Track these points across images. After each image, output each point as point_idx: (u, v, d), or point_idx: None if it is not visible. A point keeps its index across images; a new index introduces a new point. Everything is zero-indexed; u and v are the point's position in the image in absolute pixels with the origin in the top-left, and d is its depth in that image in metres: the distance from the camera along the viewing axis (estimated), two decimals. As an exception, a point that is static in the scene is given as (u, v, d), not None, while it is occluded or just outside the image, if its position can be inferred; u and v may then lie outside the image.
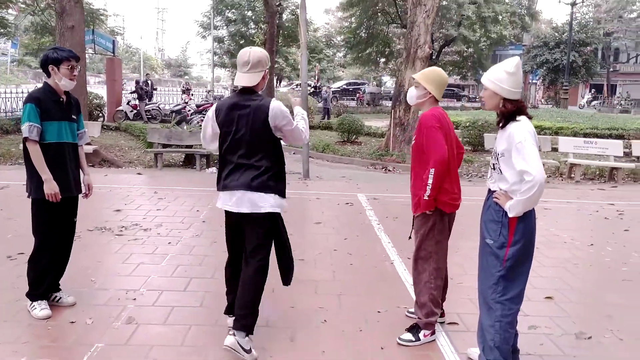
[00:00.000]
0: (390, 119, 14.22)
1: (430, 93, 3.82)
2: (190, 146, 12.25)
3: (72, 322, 4.00)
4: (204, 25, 38.98)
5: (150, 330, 3.91)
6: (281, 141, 3.66)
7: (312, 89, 34.28)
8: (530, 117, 3.30)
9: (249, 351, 3.46)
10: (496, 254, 3.27)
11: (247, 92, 3.58)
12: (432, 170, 3.67)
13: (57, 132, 4.06)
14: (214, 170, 11.74)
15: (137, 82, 24.61)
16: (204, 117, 17.67)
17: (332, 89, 38.55)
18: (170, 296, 4.58)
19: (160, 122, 20.59)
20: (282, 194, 3.63)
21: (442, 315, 4.20)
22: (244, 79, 3.53)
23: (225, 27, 38.42)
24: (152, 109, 22.22)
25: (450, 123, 3.87)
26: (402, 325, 4.09)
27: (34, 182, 4.02)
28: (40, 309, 4.07)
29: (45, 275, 4.16)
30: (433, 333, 3.90)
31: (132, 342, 3.72)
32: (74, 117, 4.23)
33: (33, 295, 4.14)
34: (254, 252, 3.60)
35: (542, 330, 4.14)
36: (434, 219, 3.86)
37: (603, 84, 49.70)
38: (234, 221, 3.68)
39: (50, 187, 3.95)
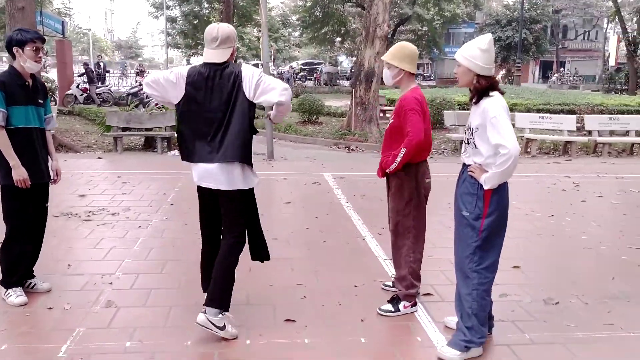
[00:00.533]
0: (351, 99, 14.30)
1: (403, 70, 3.88)
2: (151, 129, 12.06)
3: (50, 307, 3.96)
4: (155, 5, 37.99)
5: (131, 313, 3.90)
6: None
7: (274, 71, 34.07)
8: (502, 93, 3.40)
9: (222, 328, 3.48)
10: (472, 225, 3.39)
11: (217, 65, 3.47)
12: (403, 150, 3.77)
13: (24, 117, 3.95)
14: (175, 152, 11.60)
15: (87, 65, 23.94)
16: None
17: (288, 69, 38.46)
18: (147, 279, 4.58)
19: (112, 104, 20.13)
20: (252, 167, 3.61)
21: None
22: (213, 55, 3.44)
23: (178, 7, 37.56)
24: (104, 92, 21.66)
25: (426, 103, 3.96)
26: (379, 298, 4.21)
27: (3, 169, 3.92)
28: (16, 296, 4.01)
29: (18, 262, 4.09)
30: (414, 305, 4.02)
31: (114, 325, 3.71)
32: (40, 101, 4.12)
33: (8, 282, 4.07)
34: (232, 228, 3.64)
35: (512, 298, 4.32)
36: (409, 195, 3.95)
37: (553, 60, 51.00)
38: (207, 195, 3.66)
39: (19, 174, 3.86)
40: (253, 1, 35.92)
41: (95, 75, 26.98)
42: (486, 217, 3.35)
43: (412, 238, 4.00)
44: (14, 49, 3.91)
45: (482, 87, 3.34)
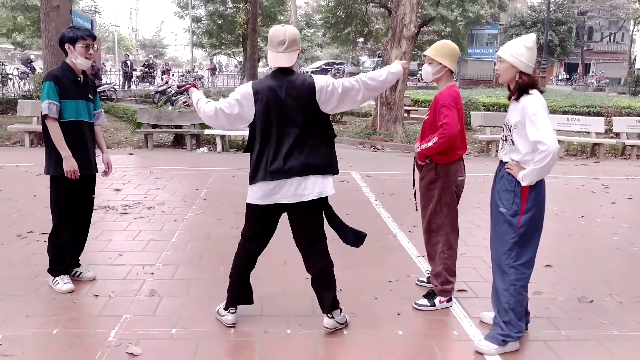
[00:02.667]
0: (377, 98, 14.34)
1: (445, 67, 3.95)
2: (180, 126, 12.24)
3: (96, 295, 4.11)
4: (181, 4, 38.36)
5: (174, 302, 4.04)
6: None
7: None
8: (542, 92, 3.46)
9: (346, 321, 3.71)
10: (509, 222, 3.45)
11: (285, 72, 3.37)
12: (436, 139, 3.84)
13: (75, 111, 4.12)
14: (204, 150, 11.79)
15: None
16: (186, 97, 17.65)
17: (311, 69, 38.55)
18: (187, 270, 4.71)
19: (116, 102, 20.17)
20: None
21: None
22: (282, 59, 3.32)
23: (203, 7, 37.88)
24: (107, 90, 21.66)
25: (461, 101, 4.03)
26: (414, 293, 4.30)
27: (53, 160, 4.09)
28: (64, 283, 4.16)
29: (66, 251, 4.24)
30: (449, 300, 4.10)
31: (159, 313, 3.85)
32: (90, 96, 4.29)
33: (55, 270, 4.23)
34: (319, 238, 3.62)
35: (545, 296, 4.37)
36: (440, 192, 4.02)
37: (578, 62, 50.44)
38: (273, 212, 3.53)
39: (70, 164, 4.02)
40: (277, 1, 36.17)
41: (123, 74, 27.52)
42: (523, 213, 3.41)
43: (445, 235, 4.07)
44: (66, 45, 4.08)
45: (525, 84, 3.39)
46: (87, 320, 3.75)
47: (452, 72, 3.99)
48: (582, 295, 4.38)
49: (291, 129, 3.35)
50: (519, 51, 3.38)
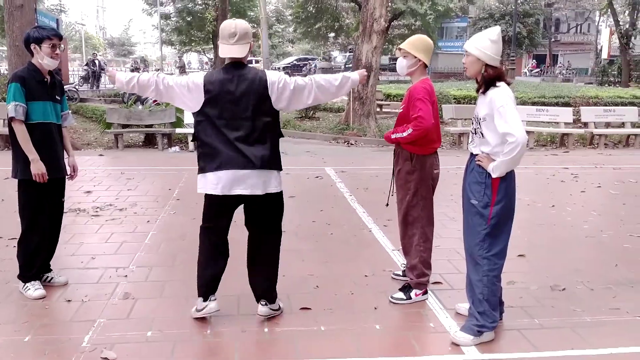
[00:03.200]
0: (350, 94, 14.35)
1: (420, 60, 3.96)
2: (151, 126, 12.10)
3: (68, 300, 4.03)
4: (149, 2, 37.95)
5: (148, 304, 3.99)
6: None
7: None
8: (509, 84, 3.50)
9: (279, 308, 3.81)
10: (481, 213, 3.48)
11: (237, 66, 3.46)
12: (410, 130, 3.88)
13: (42, 112, 4.02)
14: (176, 149, 11.67)
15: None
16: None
17: (282, 65, 38.44)
18: (161, 271, 4.66)
19: (78, 102, 19.82)
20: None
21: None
22: (232, 50, 3.40)
23: (171, 4, 37.51)
24: (69, 90, 21.26)
25: (435, 95, 4.05)
26: (390, 287, 4.32)
27: (20, 163, 3.99)
28: (35, 289, 4.08)
29: (35, 256, 4.15)
30: (425, 293, 4.13)
31: (133, 316, 3.79)
32: (57, 97, 4.19)
33: (26, 276, 4.14)
34: (272, 229, 3.76)
35: (519, 285, 4.43)
36: (416, 184, 4.04)
37: (545, 54, 51.17)
38: (231, 203, 3.61)
39: (38, 167, 3.93)
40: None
41: (91, 74, 27.02)
42: (494, 205, 3.44)
43: (421, 227, 4.09)
44: (32, 45, 3.97)
45: (490, 77, 3.43)
46: (59, 326, 3.68)
47: (426, 66, 4.01)
48: (554, 283, 4.45)
49: (241, 122, 3.42)
50: (484, 44, 3.42)
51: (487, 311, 3.50)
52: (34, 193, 4.05)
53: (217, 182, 3.46)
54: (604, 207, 7.03)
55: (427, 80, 4.00)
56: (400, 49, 4.04)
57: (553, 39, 52.60)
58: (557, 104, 17.11)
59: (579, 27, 55.49)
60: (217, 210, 3.64)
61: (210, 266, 3.68)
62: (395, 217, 6.10)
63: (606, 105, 15.75)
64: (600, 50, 47.56)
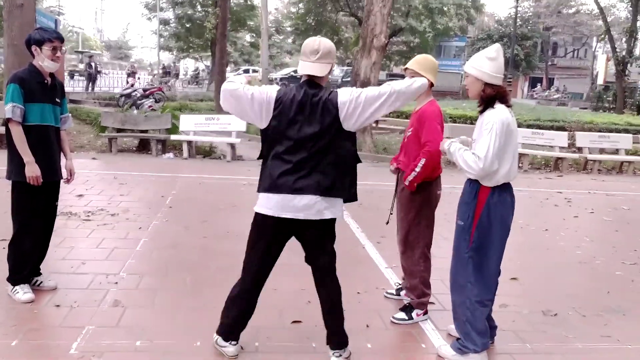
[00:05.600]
0: (346, 107, 14.38)
1: (428, 81, 3.96)
2: (146, 131, 12.04)
3: (57, 305, 3.98)
4: (149, 7, 37.99)
5: (138, 313, 3.94)
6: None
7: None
8: (509, 105, 3.43)
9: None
10: (464, 236, 3.45)
11: (313, 85, 3.19)
12: (423, 161, 3.84)
13: (40, 114, 3.99)
14: (170, 155, 11.62)
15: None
16: (153, 102, 17.40)
17: (280, 76, 38.47)
18: (152, 280, 4.61)
19: (71, 104, 19.81)
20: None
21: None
22: (312, 68, 3.15)
23: (171, 9, 37.58)
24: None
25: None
26: (383, 306, 4.30)
27: (15, 165, 3.95)
28: (24, 292, 4.02)
29: (27, 259, 4.11)
30: (425, 313, 4.12)
31: (122, 324, 3.75)
32: (57, 100, 4.16)
33: (15, 279, 4.08)
34: (331, 263, 3.52)
35: (511, 309, 4.42)
36: (420, 204, 4.02)
37: (542, 77, 51.60)
38: (283, 229, 3.30)
39: (32, 170, 3.89)
40: (247, 6, 36.09)
41: (87, 76, 27.00)
42: (476, 227, 3.40)
43: (422, 247, 4.09)
44: (33, 47, 3.96)
45: (488, 96, 3.37)
46: (48, 331, 3.63)
47: (431, 85, 4.00)
48: (546, 308, 4.44)
49: (307, 144, 3.14)
50: (481, 63, 3.37)
51: (470, 334, 3.47)
52: (27, 196, 4.00)
53: (277, 204, 3.19)
54: (597, 233, 7.05)
55: (434, 102, 4.01)
56: (406, 69, 4.02)
57: (550, 63, 53.10)
58: (552, 128, 17.19)
59: (576, 52, 56.03)
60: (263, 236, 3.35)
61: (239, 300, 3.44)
62: (389, 235, 6.11)
63: (601, 131, 15.85)
64: (596, 75, 48.03)
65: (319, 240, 3.42)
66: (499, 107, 3.36)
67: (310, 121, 3.14)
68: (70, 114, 4.44)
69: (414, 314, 4.06)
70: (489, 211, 3.37)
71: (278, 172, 3.16)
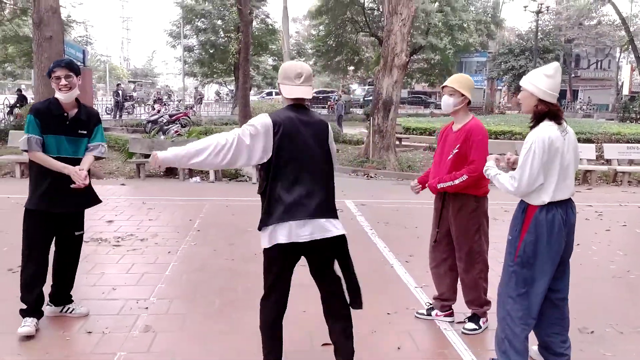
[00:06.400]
0: (369, 127, 14.41)
1: (466, 98, 4.00)
2: (172, 156, 12.18)
3: (89, 332, 4.01)
4: (173, 34, 38.73)
5: (169, 338, 3.95)
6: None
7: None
8: (560, 123, 3.34)
9: None
10: (511, 250, 3.43)
11: (301, 107, 3.25)
12: (465, 177, 3.93)
13: (55, 146, 3.93)
14: (197, 180, 11.74)
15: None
16: (179, 127, 17.63)
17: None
18: (181, 304, 4.63)
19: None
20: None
21: (451, 314, 4.37)
22: (300, 91, 3.20)
23: (195, 36, 38.24)
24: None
25: None
26: (414, 326, 4.25)
27: (29, 192, 3.97)
28: (22, 325, 3.91)
29: (30, 287, 4.00)
30: (487, 320, 4.23)
31: (154, 350, 3.76)
32: (82, 132, 4.05)
33: (23, 310, 4.01)
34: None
35: (546, 327, 4.31)
36: (480, 220, 4.10)
37: (566, 89, 51.05)
38: (295, 255, 3.26)
39: (69, 171, 3.86)
40: (268, 31, 36.54)
41: (114, 103, 27.54)
42: (523, 241, 3.36)
43: (482, 261, 4.16)
44: (50, 80, 3.95)
45: (539, 112, 3.34)
46: (80, 358, 3.66)
47: (468, 104, 4.07)
48: (582, 325, 4.33)
49: (312, 165, 3.18)
50: (538, 79, 3.36)
51: (508, 351, 3.40)
52: (32, 224, 3.97)
53: (284, 231, 3.11)
54: (630, 247, 6.88)
55: (477, 119, 4.06)
56: (445, 87, 4.08)
57: (573, 75, 52.53)
58: (578, 140, 16.88)
59: (599, 63, 55.34)
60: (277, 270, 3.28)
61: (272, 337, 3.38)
62: (417, 253, 6.07)
63: (628, 142, 15.59)
64: (621, 86, 47.34)
65: (334, 253, 3.35)
66: (544, 125, 3.32)
67: (314, 142, 3.19)
68: (104, 144, 4.29)
69: (481, 323, 4.17)
70: (536, 228, 3.33)
71: (293, 198, 3.10)
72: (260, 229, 3.18)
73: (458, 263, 4.21)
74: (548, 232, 3.32)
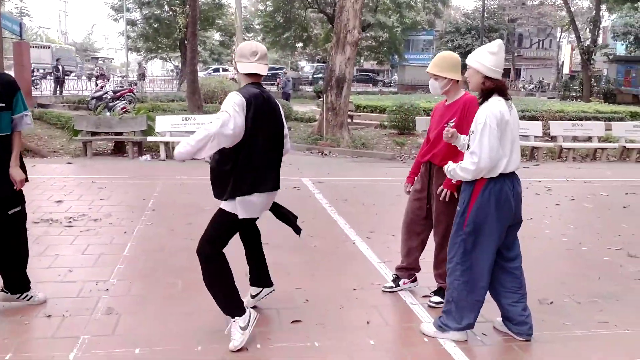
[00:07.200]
0: (322, 104, 14.36)
1: (451, 79, 3.95)
2: (121, 133, 11.83)
3: (49, 315, 3.85)
4: (115, 7, 37.35)
5: (133, 319, 3.84)
6: None
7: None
8: (508, 98, 3.50)
9: None
10: (460, 220, 3.57)
11: (259, 85, 3.50)
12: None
13: None
14: (147, 158, 11.44)
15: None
16: (127, 103, 17.11)
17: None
18: (143, 285, 4.50)
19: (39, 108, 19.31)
20: None
21: (415, 279, 4.55)
22: (254, 67, 3.42)
23: (138, 10, 36.98)
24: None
25: None
26: (380, 301, 4.28)
27: None
28: None
29: None
30: None
31: (118, 332, 3.64)
32: (1, 104, 3.67)
33: None
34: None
35: (507, 298, 4.41)
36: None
37: (509, 68, 52.25)
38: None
39: None
40: (215, 5, 35.74)
41: (54, 79, 26.42)
42: (471, 211, 3.49)
43: None
44: None
45: (487, 89, 3.48)
46: (42, 342, 3.50)
47: (457, 82, 4.02)
48: (542, 297, 4.46)
49: (275, 138, 3.51)
50: (482, 56, 3.48)
51: (452, 312, 3.61)
52: None
53: (260, 204, 3.53)
54: (580, 221, 7.13)
55: (469, 93, 4.04)
56: (428, 73, 4.05)
57: (516, 54, 53.82)
58: (524, 118, 17.36)
59: (541, 43, 56.88)
60: (235, 232, 3.67)
61: (233, 281, 3.57)
62: (378, 230, 6.13)
63: (571, 120, 16.11)
64: (562, 65, 48.84)
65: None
66: (492, 100, 3.46)
67: (277, 118, 3.52)
68: (28, 112, 3.90)
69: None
70: (484, 198, 3.45)
71: (261, 172, 3.44)
72: (228, 198, 3.45)
73: (435, 237, 4.24)
74: (496, 201, 3.46)
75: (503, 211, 3.50)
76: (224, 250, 3.52)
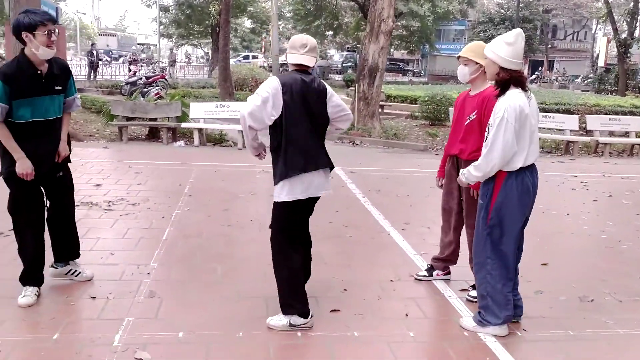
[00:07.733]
0: (354, 94, 14.30)
1: (482, 67, 3.89)
2: (155, 119, 11.96)
3: (93, 297, 3.94)
4: (148, -7, 37.65)
5: (175, 304, 3.90)
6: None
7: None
8: (526, 90, 3.45)
9: None
10: (484, 215, 3.55)
11: (306, 73, 3.62)
12: None
13: (38, 110, 3.66)
14: (181, 144, 11.55)
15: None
16: (160, 89, 17.28)
17: (281, 62, 38.25)
18: (183, 270, 4.57)
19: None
20: None
21: (449, 273, 4.57)
22: (302, 59, 3.58)
23: (171, -4, 37.25)
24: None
25: None
26: (419, 293, 4.27)
27: (6, 161, 3.69)
28: (22, 295, 3.78)
29: (36, 256, 3.86)
30: None
31: (162, 316, 3.71)
32: (57, 87, 3.76)
33: (24, 278, 3.86)
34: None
35: (547, 295, 4.37)
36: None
37: (542, 59, 51.37)
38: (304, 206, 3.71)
39: (23, 166, 3.62)
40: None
41: (88, 64, 26.81)
42: (494, 206, 3.49)
43: None
44: (24, 34, 3.53)
45: (502, 80, 3.42)
46: (87, 323, 3.59)
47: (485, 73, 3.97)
48: (582, 294, 4.40)
49: (316, 120, 3.60)
50: (499, 47, 3.42)
51: (490, 307, 3.59)
52: (21, 189, 3.74)
53: (301, 184, 3.55)
54: (618, 217, 6.99)
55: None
56: (459, 57, 4.02)
57: (550, 46, 52.86)
58: (557, 111, 17.07)
59: (575, 35, 55.75)
60: (292, 218, 3.71)
61: (297, 280, 3.67)
62: (412, 221, 6.13)
63: (607, 114, 15.78)
64: (597, 58, 47.77)
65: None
66: (510, 93, 3.41)
67: (317, 102, 3.58)
68: (78, 95, 4.09)
69: None
70: (506, 192, 3.45)
71: (296, 153, 3.51)
72: (275, 183, 3.59)
73: (467, 230, 4.21)
74: (518, 194, 3.46)
75: (524, 202, 3.52)
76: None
